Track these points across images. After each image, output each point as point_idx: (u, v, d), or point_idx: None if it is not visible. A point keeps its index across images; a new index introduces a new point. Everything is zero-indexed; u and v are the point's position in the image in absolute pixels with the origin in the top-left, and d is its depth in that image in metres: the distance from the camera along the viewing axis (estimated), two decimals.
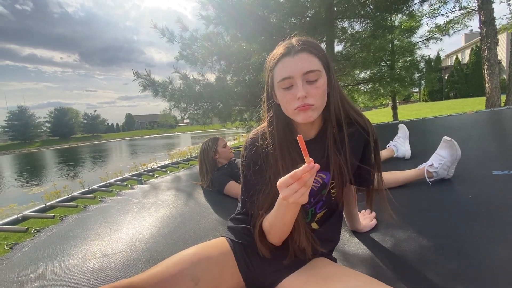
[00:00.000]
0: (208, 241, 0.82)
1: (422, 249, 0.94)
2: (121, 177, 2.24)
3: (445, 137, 1.47)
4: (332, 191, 0.79)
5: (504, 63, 16.67)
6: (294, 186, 0.55)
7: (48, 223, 1.50)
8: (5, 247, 1.26)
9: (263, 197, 0.72)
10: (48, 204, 1.65)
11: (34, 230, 1.38)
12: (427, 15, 7.96)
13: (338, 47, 6.02)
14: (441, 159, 1.48)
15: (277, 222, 0.68)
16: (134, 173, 2.39)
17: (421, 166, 1.51)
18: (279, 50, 0.71)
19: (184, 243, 1.18)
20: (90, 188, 1.93)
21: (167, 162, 2.99)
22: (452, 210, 1.17)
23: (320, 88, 0.68)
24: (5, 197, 8.72)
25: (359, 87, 7.73)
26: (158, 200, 1.74)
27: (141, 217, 1.50)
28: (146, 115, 78.12)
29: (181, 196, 1.81)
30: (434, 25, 8.55)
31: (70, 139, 51.08)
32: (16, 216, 1.48)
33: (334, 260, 0.83)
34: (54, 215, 1.54)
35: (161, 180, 2.24)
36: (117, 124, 75.27)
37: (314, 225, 0.81)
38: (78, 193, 1.82)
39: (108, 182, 2.07)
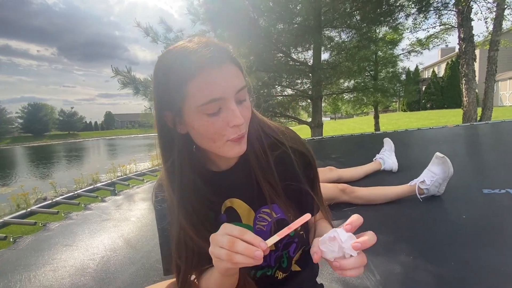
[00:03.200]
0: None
1: (410, 268, 0.91)
2: (91, 186, 2.03)
3: (438, 154, 1.43)
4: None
5: (480, 78, 17.68)
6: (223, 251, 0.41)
7: None
8: None
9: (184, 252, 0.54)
10: None
11: None
12: (409, 29, 8.25)
13: (324, 56, 6.06)
14: (433, 175, 1.44)
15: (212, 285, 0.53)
16: (106, 181, 2.18)
17: (412, 183, 1.47)
18: (188, 55, 0.46)
19: (159, 273, 1.03)
20: (54, 200, 1.71)
21: (148, 164, 2.79)
22: (442, 230, 1.16)
23: (249, 109, 0.52)
24: None
25: (343, 96, 7.83)
26: (131, 216, 1.57)
27: (110, 238, 1.32)
28: (127, 114, 75.79)
29: None
30: (415, 39, 8.89)
31: (44, 136, 48.55)
32: None
33: (321, 286, 0.72)
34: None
35: (136, 190, 2.05)
36: (96, 122, 72.40)
37: (295, 267, 0.69)
38: (37, 207, 1.59)
39: (75, 192, 1.86)
